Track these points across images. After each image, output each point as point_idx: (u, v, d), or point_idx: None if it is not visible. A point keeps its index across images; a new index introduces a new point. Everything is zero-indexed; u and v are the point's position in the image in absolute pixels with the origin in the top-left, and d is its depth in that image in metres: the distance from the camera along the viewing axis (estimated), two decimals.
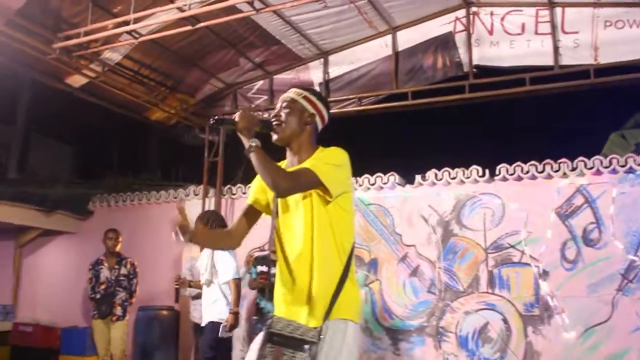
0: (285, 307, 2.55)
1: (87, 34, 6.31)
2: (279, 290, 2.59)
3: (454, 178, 7.00)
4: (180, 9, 6.02)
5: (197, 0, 5.90)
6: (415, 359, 6.80)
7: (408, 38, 7.48)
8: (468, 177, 6.93)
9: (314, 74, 7.84)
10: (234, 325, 5.42)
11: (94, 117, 7.91)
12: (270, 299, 2.80)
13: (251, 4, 5.70)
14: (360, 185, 7.43)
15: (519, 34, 6.87)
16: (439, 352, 6.72)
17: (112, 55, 6.94)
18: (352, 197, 2.60)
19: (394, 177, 7.29)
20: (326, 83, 7.75)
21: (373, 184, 7.39)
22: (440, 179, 7.06)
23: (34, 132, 11.16)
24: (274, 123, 2.62)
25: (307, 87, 2.91)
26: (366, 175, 7.42)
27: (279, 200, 2.62)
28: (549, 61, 6.72)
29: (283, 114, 2.62)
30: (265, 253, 5.53)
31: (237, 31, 6.97)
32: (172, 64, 7.40)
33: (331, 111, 8.03)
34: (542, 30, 6.76)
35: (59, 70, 6.92)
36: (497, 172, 6.83)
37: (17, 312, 8.56)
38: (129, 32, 6.28)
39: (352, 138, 8.49)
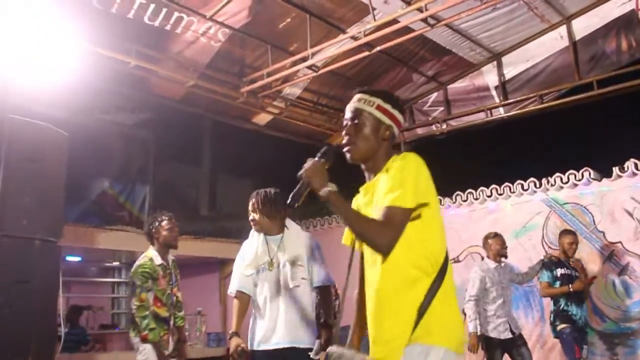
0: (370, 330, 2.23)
1: (269, 75, 6.77)
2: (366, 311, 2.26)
3: None
4: (354, 37, 6.24)
5: (370, 26, 6.08)
6: None
7: (585, 25, 7.16)
8: None
9: (489, 77, 7.74)
10: None
11: (279, 152, 8.40)
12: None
13: (425, 20, 5.77)
14: (553, 185, 7.16)
15: None
16: None
17: (293, 90, 7.37)
18: (435, 207, 2.17)
19: (588, 173, 6.93)
20: (502, 85, 7.62)
21: (566, 182, 7.07)
22: None
23: (218, 172, 12.00)
24: (344, 143, 2.28)
25: (375, 90, 2.36)
26: (558, 174, 7.13)
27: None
28: None
29: (355, 131, 2.25)
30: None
31: (407, 48, 7.09)
32: (349, 89, 7.66)
33: (512, 113, 7.85)
34: None
35: (247, 112, 7.47)
36: None
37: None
38: (308, 67, 6.63)
39: (537, 138, 8.26)
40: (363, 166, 2.31)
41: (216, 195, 13.49)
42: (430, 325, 2.05)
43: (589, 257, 6.77)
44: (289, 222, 3.87)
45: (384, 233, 2.06)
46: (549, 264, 6.02)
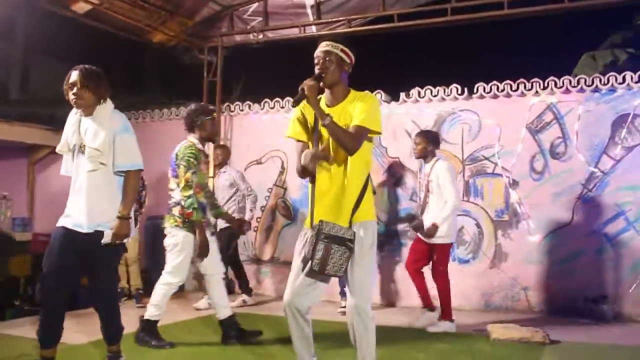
0: (326, 214, 3.27)
1: None
2: (320, 202, 3.33)
3: (435, 96, 7.57)
4: None
5: None
6: (399, 258, 7.56)
7: None
8: (448, 95, 7.49)
9: None
10: None
11: (98, 42, 8.27)
12: None
13: None
14: None
15: None
16: None
17: None
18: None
19: (380, 95, 7.83)
20: (317, 5, 8.06)
21: None
22: (423, 97, 7.64)
23: (34, 52, 11.33)
24: (322, 75, 3.29)
25: (338, 40, 3.43)
26: None
27: (319, 130, 3.37)
28: None
29: (328, 65, 3.29)
30: None
31: None
32: None
33: (321, 32, 8.47)
34: None
35: None
36: (475, 90, 7.39)
37: (34, 225, 9.15)
38: None
39: None
40: (327, 91, 3.35)
41: (29, 79, 12.81)
42: (367, 207, 3.34)
43: (373, 169, 7.76)
44: (104, 104, 3.81)
45: (354, 141, 3.22)
46: None
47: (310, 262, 3.20)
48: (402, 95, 7.78)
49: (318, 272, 3.20)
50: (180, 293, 8.01)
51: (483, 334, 5.43)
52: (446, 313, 5.75)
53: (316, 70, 3.32)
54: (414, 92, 7.69)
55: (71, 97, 3.76)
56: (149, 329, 4.92)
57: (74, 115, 3.90)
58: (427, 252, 5.89)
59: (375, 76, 7.96)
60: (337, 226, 3.20)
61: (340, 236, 3.18)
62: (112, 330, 3.89)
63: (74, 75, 3.75)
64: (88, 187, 3.77)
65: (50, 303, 3.72)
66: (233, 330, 5.09)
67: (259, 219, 8.40)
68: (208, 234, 5.01)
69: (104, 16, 7.62)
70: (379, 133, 3.34)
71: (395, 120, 7.75)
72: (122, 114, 3.88)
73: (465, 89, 7.43)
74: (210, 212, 5.24)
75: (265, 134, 8.39)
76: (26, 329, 5.02)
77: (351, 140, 3.21)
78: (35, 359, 3.81)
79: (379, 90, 7.83)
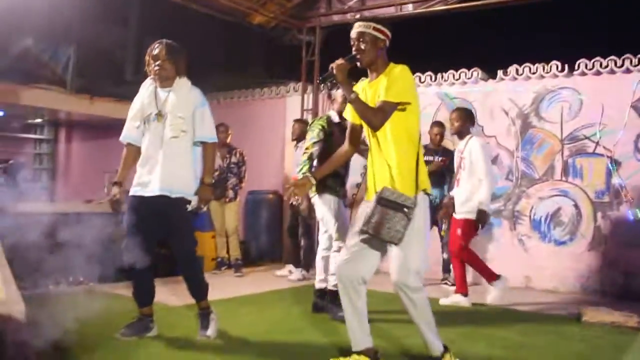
0: (385, 182, 3.35)
1: None
2: (378, 173, 3.41)
3: (534, 73, 7.37)
4: None
5: None
6: (493, 238, 7.53)
7: None
8: (547, 72, 7.28)
9: None
10: None
11: (202, 25, 8.66)
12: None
13: None
14: (446, 80, 7.98)
15: None
16: (513, 233, 7.42)
17: None
18: (417, 102, 3.37)
19: (477, 73, 7.75)
20: None
21: (457, 79, 7.91)
22: (521, 74, 7.46)
23: (146, 35, 12.00)
24: (357, 56, 3.36)
25: (369, 17, 3.62)
26: (451, 71, 7.94)
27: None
28: None
29: (362, 46, 3.35)
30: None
31: None
32: None
33: (418, 10, 8.47)
34: None
35: None
36: (576, 67, 7.13)
37: None
38: None
39: (439, 36, 8.92)
40: (369, 70, 3.45)
41: (142, 60, 13.61)
42: (423, 177, 3.38)
43: None
44: (183, 78, 4.09)
45: (377, 117, 3.26)
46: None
47: (366, 225, 3.28)
48: (500, 73, 7.65)
49: (373, 235, 3.26)
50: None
51: (574, 316, 5.35)
52: (461, 286, 5.82)
53: (353, 52, 3.39)
54: (511, 69, 7.53)
55: (154, 68, 4.02)
56: (333, 299, 4.87)
57: (148, 86, 4.16)
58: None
59: (471, 54, 7.90)
60: (396, 192, 3.26)
61: (400, 202, 3.23)
62: (196, 287, 4.19)
63: (158, 49, 4.02)
64: (167, 153, 3.98)
65: (136, 267, 4.02)
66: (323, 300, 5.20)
67: (354, 195, 8.58)
68: (341, 204, 5.03)
69: (207, 0, 8.00)
70: (408, 103, 3.28)
71: (492, 98, 7.64)
72: (199, 90, 4.11)
73: (566, 66, 7.18)
74: None
75: None
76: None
77: (373, 116, 3.26)
78: (137, 316, 4.22)
79: (475, 68, 7.75)
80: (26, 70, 8.33)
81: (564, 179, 7.14)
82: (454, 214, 5.92)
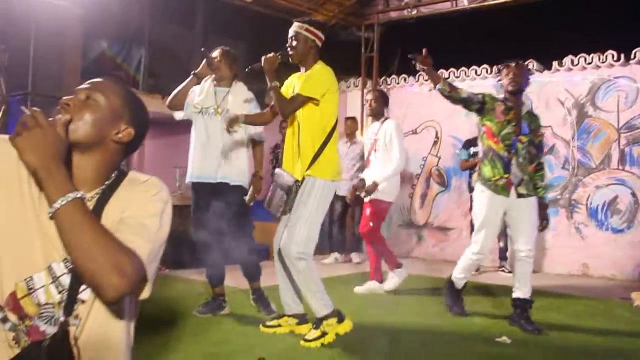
0: (286, 164, 3.96)
1: None
2: (285, 155, 4.00)
3: (589, 63, 7.45)
4: None
5: None
6: (550, 227, 7.57)
7: None
8: (603, 62, 7.35)
9: None
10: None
11: (265, 25, 9.03)
12: None
13: None
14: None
15: None
16: (570, 222, 7.52)
17: None
18: (330, 96, 3.81)
19: (532, 64, 7.86)
20: None
21: None
22: (577, 65, 7.55)
23: (211, 37, 12.54)
24: (290, 53, 3.85)
25: (306, 19, 3.99)
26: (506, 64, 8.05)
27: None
28: None
29: (294, 44, 3.84)
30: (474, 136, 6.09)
31: None
32: None
33: (473, 6, 8.60)
34: None
35: None
36: (633, 56, 7.17)
37: None
38: None
39: (494, 29, 9.05)
40: (300, 64, 3.96)
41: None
42: (323, 164, 3.83)
43: None
44: (240, 83, 4.55)
45: (287, 107, 3.82)
46: (466, 144, 7.24)
47: (266, 202, 3.97)
48: (555, 64, 7.75)
49: (266, 208, 3.96)
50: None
51: (627, 302, 5.48)
52: (375, 273, 5.79)
53: (287, 48, 3.86)
54: (567, 60, 7.63)
55: (213, 68, 4.50)
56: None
57: (208, 82, 4.52)
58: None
59: (526, 45, 8.00)
60: (284, 174, 3.88)
61: (280, 182, 3.89)
62: (251, 269, 4.62)
63: (217, 53, 4.52)
64: (226, 144, 4.40)
65: (207, 251, 4.43)
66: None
67: (414, 187, 8.87)
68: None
69: (269, 2, 8.41)
70: (313, 99, 3.74)
71: (548, 89, 7.75)
72: (253, 95, 4.55)
73: (622, 55, 7.23)
74: None
75: (421, 106, 8.77)
76: (201, 275, 5.86)
77: (282, 105, 3.79)
78: (211, 296, 4.66)
79: (530, 60, 7.86)
80: (104, 72, 8.90)
81: (621, 167, 7.20)
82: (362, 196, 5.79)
